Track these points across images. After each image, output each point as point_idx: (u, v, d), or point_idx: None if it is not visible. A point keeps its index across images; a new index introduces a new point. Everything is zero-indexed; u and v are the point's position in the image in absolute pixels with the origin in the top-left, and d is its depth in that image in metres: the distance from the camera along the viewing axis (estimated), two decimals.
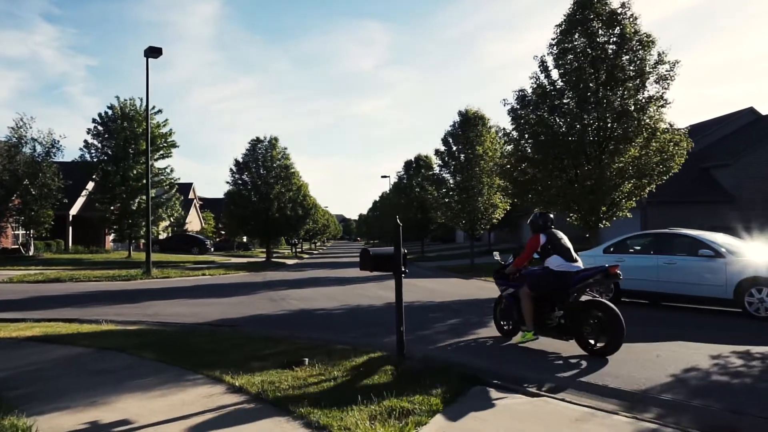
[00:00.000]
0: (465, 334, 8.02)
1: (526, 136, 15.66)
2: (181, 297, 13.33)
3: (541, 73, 15.45)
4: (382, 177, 54.57)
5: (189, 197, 62.08)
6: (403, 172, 41.39)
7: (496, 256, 8.04)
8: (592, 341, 6.24)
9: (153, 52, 19.34)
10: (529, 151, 15.66)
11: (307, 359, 5.73)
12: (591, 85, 14.54)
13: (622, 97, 14.27)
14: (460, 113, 23.77)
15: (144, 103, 30.03)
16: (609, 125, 14.38)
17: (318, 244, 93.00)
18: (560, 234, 6.91)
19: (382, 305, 11.67)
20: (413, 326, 8.54)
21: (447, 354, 6.56)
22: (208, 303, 12.12)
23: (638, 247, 11.02)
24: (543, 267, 6.72)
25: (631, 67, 14.13)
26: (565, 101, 15.11)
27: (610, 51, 14.39)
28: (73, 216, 34.61)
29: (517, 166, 15.86)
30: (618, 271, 6.33)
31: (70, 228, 34.56)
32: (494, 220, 23.52)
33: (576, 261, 6.64)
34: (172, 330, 8.51)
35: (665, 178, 14.28)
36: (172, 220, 48.54)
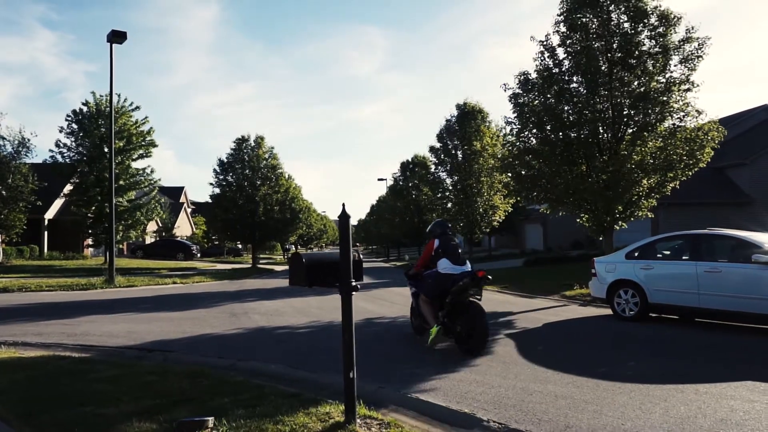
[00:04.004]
0: (458, 365, 6.09)
1: (530, 125, 13.79)
2: (130, 310, 11.41)
3: (546, 53, 13.60)
4: (379, 180, 52.81)
5: (180, 201, 60.22)
6: (399, 174, 39.58)
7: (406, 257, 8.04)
8: (462, 341, 6.58)
9: (117, 37, 17.53)
10: (534, 141, 13.78)
11: (212, 419, 3.81)
12: (602, 66, 12.69)
13: (639, 78, 12.41)
14: (458, 106, 21.95)
15: (121, 100, 28.45)
16: (626, 111, 12.51)
17: (315, 249, 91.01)
18: (453, 239, 7.34)
19: (361, 322, 9.73)
20: (395, 355, 6.63)
21: (427, 407, 4.64)
22: (156, 318, 10.21)
23: (668, 252, 9.11)
24: (434, 270, 7.07)
25: (652, 43, 12.26)
26: (573, 85, 13.26)
27: (625, 27, 12.53)
28: (48, 220, 32.67)
29: (520, 159, 13.97)
30: (484, 275, 6.59)
31: (46, 233, 32.61)
32: (495, 223, 21.61)
33: (463, 264, 6.99)
34: (77, 359, 6.60)
35: (690, 173, 12.40)
36: (159, 224, 46.78)
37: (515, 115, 13.92)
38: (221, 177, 29.87)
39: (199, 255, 40.56)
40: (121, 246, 34.14)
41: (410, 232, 38.12)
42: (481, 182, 20.71)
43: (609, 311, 10.08)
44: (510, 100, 13.90)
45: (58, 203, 32.73)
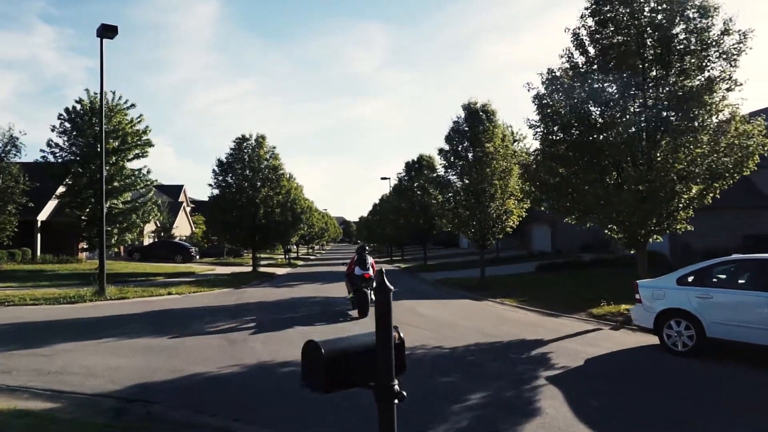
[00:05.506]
0: None
1: (555, 128, 12.63)
2: (117, 334, 10.28)
3: (576, 49, 12.42)
4: (382, 179, 51.54)
5: (179, 200, 59.11)
6: (404, 174, 38.36)
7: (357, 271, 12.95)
8: (357, 308, 12.67)
9: (107, 32, 16.35)
10: (559, 146, 12.61)
11: None
12: (638, 63, 11.52)
13: (678, 77, 11.23)
14: (464, 107, 20.72)
15: (115, 97, 27.27)
16: (665, 114, 11.34)
17: (316, 248, 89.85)
18: (365, 256, 13.23)
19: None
20: (417, 410, 5.50)
21: None
22: (144, 347, 9.08)
23: (730, 278, 7.97)
24: (353, 271, 12.99)
25: (691, 39, 11.08)
26: (604, 85, 12.10)
27: (660, 20, 11.34)
28: (42, 222, 31.54)
29: (544, 166, 12.80)
30: (369, 276, 12.54)
31: (39, 235, 31.49)
32: (508, 229, 20.43)
33: (365, 270, 12.76)
34: (40, 415, 5.48)
35: (736, 178, 11.26)
36: (157, 224, 45.64)
37: (539, 117, 12.77)
38: (220, 178, 28.69)
39: (197, 257, 39.45)
40: (116, 249, 32.96)
41: (415, 233, 36.94)
42: (493, 186, 19.55)
43: (648, 337, 8.99)
44: (533, 101, 12.74)
45: (51, 204, 31.60)
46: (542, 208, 13.26)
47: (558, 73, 12.45)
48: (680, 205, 11.17)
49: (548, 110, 12.69)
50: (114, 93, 27.13)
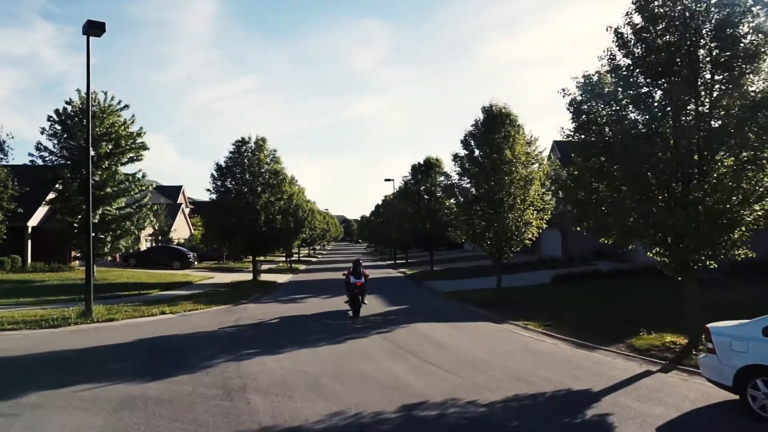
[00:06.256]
0: None
1: (593, 138, 11.23)
2: (97, 376, 8.88)
3: (619, 50, 11.01)
4: (386, 180, 50.28)
5: (177, 202, 57.77)
6: (410, 177, 36.88)
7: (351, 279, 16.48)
8: (351, 309, 16.20)
9: (94, 28, 14.97)
10: (601, 160, 11.19)
11: None
12: (693, 66, 10.12)
13: (737, 79, 9.80)
14: (484, 109, 19.28)
15: (108, 98, 25.90)
16: (721, 124, 9.93)
17: (318, 248, 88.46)
18: (360, 269, 16.47)
19: (395, 413, 7.22)
20: None
21: None
22: (123, 399, 7.68)
23: None
24: (349, 279, 16.46)
25: (759, 38, 9.67)
26: (652, 89, 10.71)
27: (722, 16, 9.93)
28: (32, 228, 30.17)
29: (581, 182, 11.41)
30: (361, 284, 16.21)
31: (29, 242, 30.12)
32: (527, 241, 19.04)
33: (359, 278, 16.22)
34: None
35: None
36: (155, 227, 44.17)
37: (574, 126, 11.38)
38: (219, 183, 27.30)
39: (196, 263, 38.05)
40: (109, 258, 31.53)
41: (421, 239, 35.54)
42: (511, 195, 18.17)
43: (711, 388, 7.63)
44: (568, 108, 11.35)
45: (42, 210, 30.22)
46: (578, 229, 11.84)
47: (596, 78, 11.05)
48: (743, 227, 9.78)
49: (584, 117, 11.33)
50: (106, 93, 25.84)
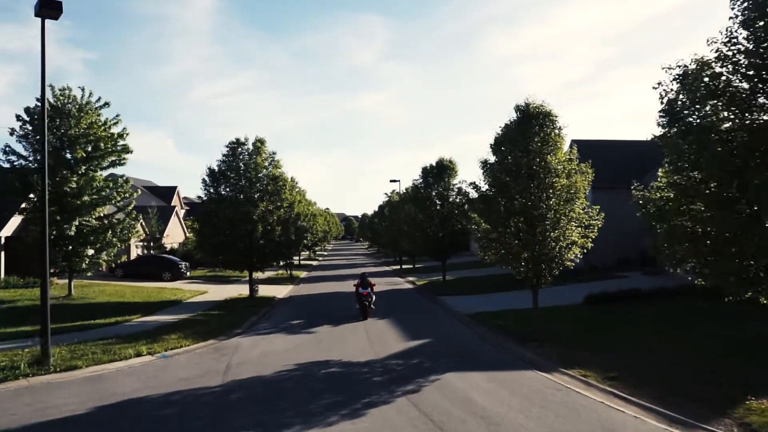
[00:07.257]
0: None
1: (694, 146, 8.42)
2: None
3: (727, 41, 8.18)
4: (392, 181, 47.70)
5: (171, 204, 54.93)
6: (420, 180, 34.08)
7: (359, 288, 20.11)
8: (365, 317, 19.45)
9: (48, 9, 12.10)
10: (695, 175, 8.40)
11: None
12: None
13: None
14: (518, 108, 16.39)
15: (86, 94, 23.05)
16: None
17: (319, 250, 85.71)
18: (366, 280, 20.16)
19: None
20: None
21: None
22: None
23: None
24: (358, 289, 20.09)
25: None
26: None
27: None
28: (6, 238, 27.31)
29: (676, 205, 8.60)
30: (367, 293, 19.90)
31: (2, 253, 27.27)
32: (568, 263, 16.17)
33: (366, 288, 19.94)
34: None
35: None
36: (146, 233, 41.36)
37: (672, 131, 8.56)
38: (211, 189, 24.45)
39: (188, 273, 35.19)
40: (89, 273, 28.58)
41: (435, 248, 32.77)
42: (552, 209, 15.37)
43: None
44: (664, 108, 8.52)
45: (16, 219, 27.32)
46: (674, 271, 9.02)
47: (705, 72, 8.21)
48: None
49: (679, 122, 8.53)
50: (83, 89, 22.94)
